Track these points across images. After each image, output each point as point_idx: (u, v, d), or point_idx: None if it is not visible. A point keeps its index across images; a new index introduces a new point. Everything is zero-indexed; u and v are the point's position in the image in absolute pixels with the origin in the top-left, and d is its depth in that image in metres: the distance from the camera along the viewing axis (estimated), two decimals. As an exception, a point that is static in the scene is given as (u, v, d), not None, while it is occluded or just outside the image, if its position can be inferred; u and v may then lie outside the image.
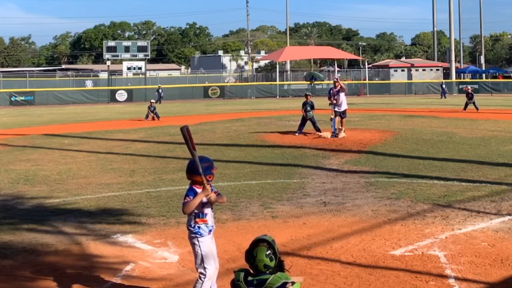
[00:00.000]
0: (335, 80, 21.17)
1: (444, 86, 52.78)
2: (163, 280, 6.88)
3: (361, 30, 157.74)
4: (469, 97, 32.76)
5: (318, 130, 20.79)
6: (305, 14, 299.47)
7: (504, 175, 12.93)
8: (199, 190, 5.65)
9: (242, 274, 4.51)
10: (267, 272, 4.50)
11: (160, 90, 49.20)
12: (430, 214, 9.54)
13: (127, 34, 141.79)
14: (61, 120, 31.73)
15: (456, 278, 6.74)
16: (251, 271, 4.56)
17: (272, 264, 4.51)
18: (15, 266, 7.48)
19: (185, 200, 5.64)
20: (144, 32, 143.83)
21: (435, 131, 21.50)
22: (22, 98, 50.49)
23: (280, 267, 4.63)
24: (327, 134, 20.20)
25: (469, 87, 36.24)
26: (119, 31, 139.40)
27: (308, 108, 21.07)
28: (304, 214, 9.80)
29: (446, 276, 6.83)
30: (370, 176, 13.02)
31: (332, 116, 20.29)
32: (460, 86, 61.68)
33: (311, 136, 20.40)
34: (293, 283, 4.60)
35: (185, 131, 5.53)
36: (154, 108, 30.20)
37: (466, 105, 32.65)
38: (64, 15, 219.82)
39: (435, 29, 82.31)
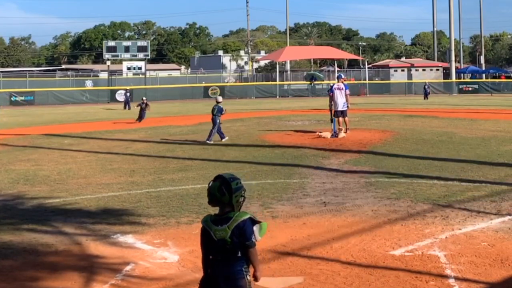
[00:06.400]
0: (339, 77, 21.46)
1: (427, 87, 52.10)
2: (163, 280, 6.88)
3: (361, 30, 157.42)
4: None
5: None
6: (305, 14, 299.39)
7: (504, 175, 12.93)
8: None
9: (208, 217, 4.77)
10: (229, 210, 4.70)
11: (127, 93, 44.68)
12: (430, 214, 9.54)
13: (127, 34, 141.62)
14: (61, 120, 31.72)
15: (456, 278, 6.74)
16: (217, 212, 4.78)
17: (225, 199, 4.62)
18: (15, 266, 7.48)
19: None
20: (144, 32, 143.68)
21: (435, 131, 21.50)
22: (22, 98, 50.43)
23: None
24: (327, 134, 20.20)
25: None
26: (119, 31, 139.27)
27: None
28: (304, 214, 9.80)
29: (446, 276, 6.83)
30: (370, 176, 13.02)
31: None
32: (460, 86, 61.74)
33: (311, 136, 20.41)
34: (259, 222, 4.71)
35: None
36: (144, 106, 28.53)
37: None
38: (64, 15, 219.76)
39: (435, 29, 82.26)
